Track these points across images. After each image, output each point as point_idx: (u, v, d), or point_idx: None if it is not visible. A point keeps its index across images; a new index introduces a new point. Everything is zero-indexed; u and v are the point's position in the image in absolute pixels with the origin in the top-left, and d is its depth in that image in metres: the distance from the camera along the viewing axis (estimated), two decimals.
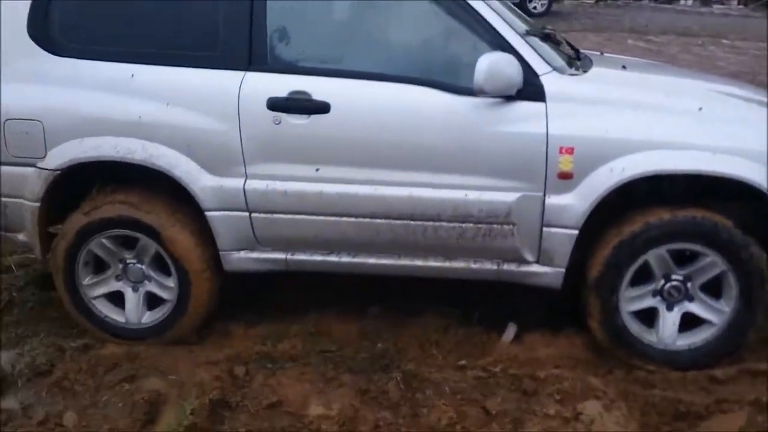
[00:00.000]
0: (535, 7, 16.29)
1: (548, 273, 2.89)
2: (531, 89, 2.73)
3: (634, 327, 2.88)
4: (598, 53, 3.91)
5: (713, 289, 2.86)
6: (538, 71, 2.76)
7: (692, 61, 10.21)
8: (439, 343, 3.11)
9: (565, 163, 2.73)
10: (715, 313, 2.85)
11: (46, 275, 3.71)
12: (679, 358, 2.87)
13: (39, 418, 2.71)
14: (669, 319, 2.87)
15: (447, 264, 2.96)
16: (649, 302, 2.88)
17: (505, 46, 2.75)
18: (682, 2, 21.80)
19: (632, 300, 2.87)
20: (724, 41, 12.63)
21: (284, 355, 3.05)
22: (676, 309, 2.87)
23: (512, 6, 3.61)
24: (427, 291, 3.41)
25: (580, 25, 14.84)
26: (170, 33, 2.95)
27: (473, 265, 2.94)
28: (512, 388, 2.80)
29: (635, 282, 2.86)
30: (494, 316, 3.26)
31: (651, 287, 2.87)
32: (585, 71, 3.04)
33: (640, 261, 2.80)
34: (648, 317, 2.92)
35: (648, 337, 2.90)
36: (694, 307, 2.87)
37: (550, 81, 2.76)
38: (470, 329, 3.18)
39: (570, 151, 2.71)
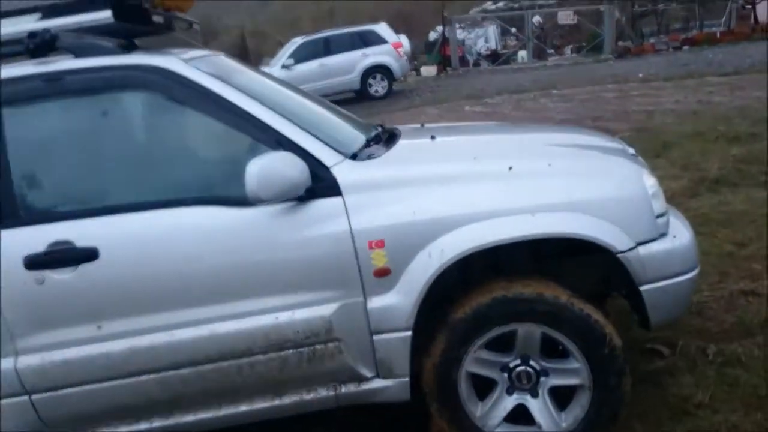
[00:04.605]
0: (376, 91, 16.74)
1: (392, 386, 2.52)
2: (323, 185, 2.44)
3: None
4: (419, 126, 3.70)
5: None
6: (328, 163, 2.47)
7: (523, 116, 10.60)
8: None
9: (379, 259, 2.42)
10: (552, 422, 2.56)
11: None
12: None
13: None
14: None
15: (277, 402, 2.54)
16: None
17: (284, 143, 2.45)
18: (519, 61, 23.10)
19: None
20: (554, 91, 13.31)
21: None
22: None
23: (303, 91, 3.39)
24: None
25: (420, 100, 15.25)
26: None
27: (307, 396, 2.54)
28: None
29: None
30: None
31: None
32: (388, 149, 2.79)
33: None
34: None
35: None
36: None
37: (343, 171, 2.47)
38: None
39: (380, 244, 2.41)
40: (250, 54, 23.88)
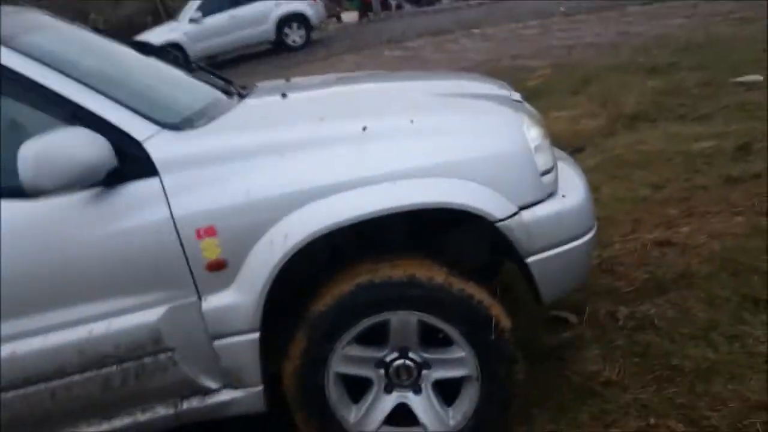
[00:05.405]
0: (294, 41, 15.96)
1: (243, 397, 2.10)
2: (133, 164, 1.95)
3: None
4: (283, 81, 3.20)
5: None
6: (139, 136, 1.97)
7: (443, 58, 10.14)
8: None
9: (210, 250, 1.96)
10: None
11: None
12: None
13: None
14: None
15: (106, 426, 2.10)
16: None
17: (81, 115, 1.94)
18: (443, 2, 22.33)
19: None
20: (476, 31, 12.84)
21: None
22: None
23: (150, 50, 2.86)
24: None
25: (340, 48, 14.58)
26: None
27: (143, 417, 2.10)
28: None
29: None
30: None
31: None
32: (224, 113, 2.31)
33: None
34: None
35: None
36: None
37: (160, 145, 1.99)
38: None
39: (210, 231, 1.95)
40: (162, 10, 22.49)
